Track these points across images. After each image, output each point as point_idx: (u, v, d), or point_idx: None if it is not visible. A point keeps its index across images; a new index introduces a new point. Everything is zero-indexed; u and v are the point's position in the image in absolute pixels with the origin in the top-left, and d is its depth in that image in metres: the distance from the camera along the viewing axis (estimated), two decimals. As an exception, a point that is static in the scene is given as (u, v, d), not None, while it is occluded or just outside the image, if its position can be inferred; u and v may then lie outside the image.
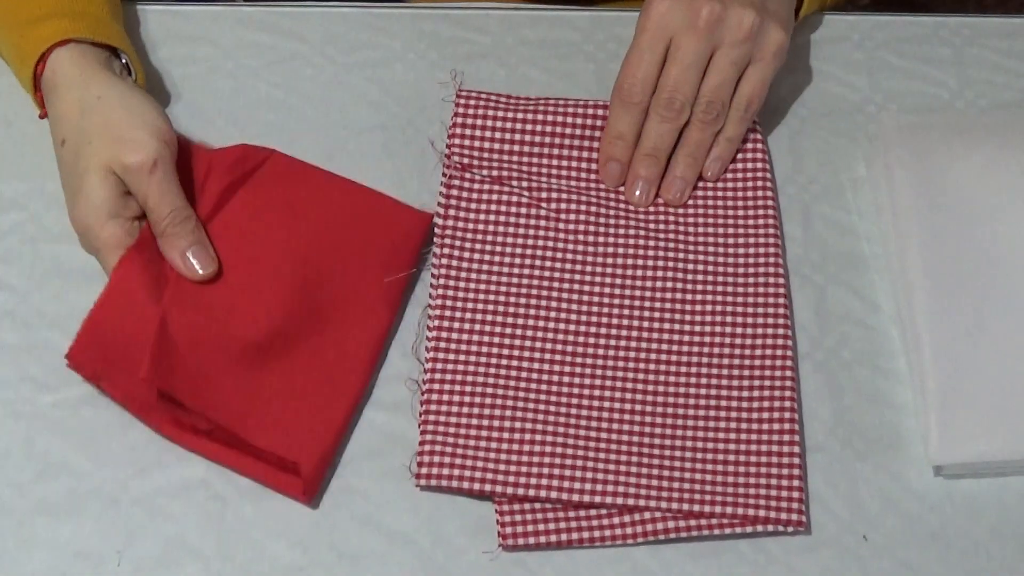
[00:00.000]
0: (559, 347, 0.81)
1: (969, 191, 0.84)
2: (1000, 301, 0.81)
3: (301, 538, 0.76)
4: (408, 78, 0.91)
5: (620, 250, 0.84)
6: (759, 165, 0.87)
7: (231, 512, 0.76)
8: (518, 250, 0.84)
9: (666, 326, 0.82)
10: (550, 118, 0.86)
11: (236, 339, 0.78)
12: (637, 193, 0.86)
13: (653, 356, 0.81)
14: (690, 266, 0.84)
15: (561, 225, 0.84)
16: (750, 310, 0.82)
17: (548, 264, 0.83)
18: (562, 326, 0.81)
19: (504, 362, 0.80)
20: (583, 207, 0.85)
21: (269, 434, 0.76)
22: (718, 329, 0.82)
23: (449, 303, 0.81)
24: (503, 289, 0.82)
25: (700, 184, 0.87)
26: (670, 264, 0.83)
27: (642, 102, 0.84)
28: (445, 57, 0.92)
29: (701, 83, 0.83)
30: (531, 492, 0.76)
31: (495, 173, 0.85)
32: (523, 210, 0.85)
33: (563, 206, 0.85)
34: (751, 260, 0.84)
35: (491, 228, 0.84)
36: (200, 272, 0.79)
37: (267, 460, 0.76)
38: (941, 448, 0.78)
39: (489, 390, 0.79)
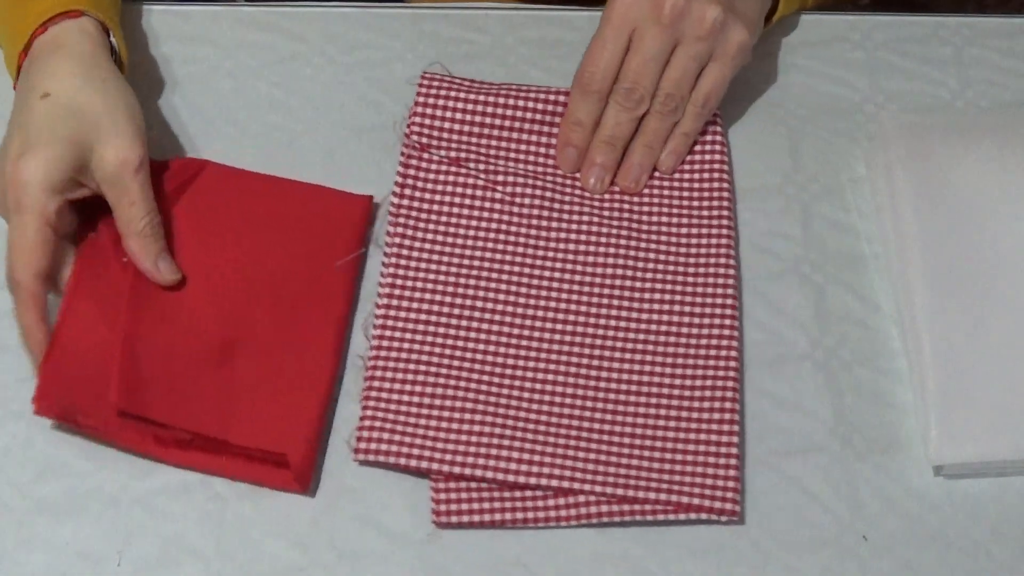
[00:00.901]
0: (505, 329, 0.81)
1: (969, 191, 0.84)
2: (1000, 301, 0.81)
3: (301, 538, 0.76)
4: (408, 78, 0.91)
5: (572, 236, 0.84)
6: (717, 158, 0.87)
7: (231, 512, 0.76)
8: (471, 232, 0.84)
9: (613, 313, 0.82)
10: (511, 102, 0.87)
11: (202, 344, 0.78)
12: (592, 180, 0.86)
13: (599, 342, 0.81)
14: (641, 255, 0.84)
15: (515, 209, 0.85)
16: (699, 300, 0.83)
17: (500, 247, 0.83)
18: (510, 308, 0.82)
19: (450, 341, 0.80)
20: (538, 191, 0.85)
21: (251, 431, 0.76)
22: (665, 318, 0.82)
23: (400, 281, 0.82)
24: (453, 269, 0.82)
25: (657, 174, 0.87)
26: (621, 252, 0.84)
27: (602, 90, 0.84)
28: (445, 57, 0.92)
29: (661, 76, 0.84)
30: (467, 471, 0.76)
31: (453, 155, 0.85)
32: (478, 192, 0.85)
33: (518, 190, 0.85)
34: (703, 251, 0.84)
35: (445, 209, 0.84)
36: (170, 277, 0.79)
37: (255, 459, 0.76)
38: (941, 448, 0.78)
39: (432, 368, 0.79)
